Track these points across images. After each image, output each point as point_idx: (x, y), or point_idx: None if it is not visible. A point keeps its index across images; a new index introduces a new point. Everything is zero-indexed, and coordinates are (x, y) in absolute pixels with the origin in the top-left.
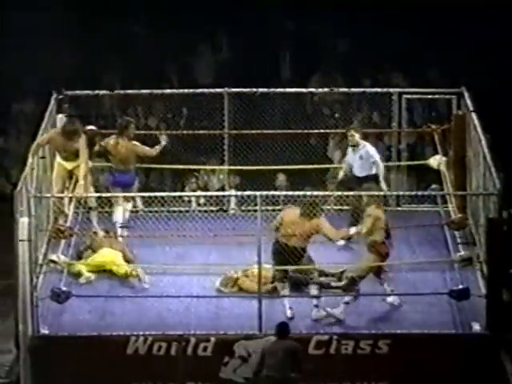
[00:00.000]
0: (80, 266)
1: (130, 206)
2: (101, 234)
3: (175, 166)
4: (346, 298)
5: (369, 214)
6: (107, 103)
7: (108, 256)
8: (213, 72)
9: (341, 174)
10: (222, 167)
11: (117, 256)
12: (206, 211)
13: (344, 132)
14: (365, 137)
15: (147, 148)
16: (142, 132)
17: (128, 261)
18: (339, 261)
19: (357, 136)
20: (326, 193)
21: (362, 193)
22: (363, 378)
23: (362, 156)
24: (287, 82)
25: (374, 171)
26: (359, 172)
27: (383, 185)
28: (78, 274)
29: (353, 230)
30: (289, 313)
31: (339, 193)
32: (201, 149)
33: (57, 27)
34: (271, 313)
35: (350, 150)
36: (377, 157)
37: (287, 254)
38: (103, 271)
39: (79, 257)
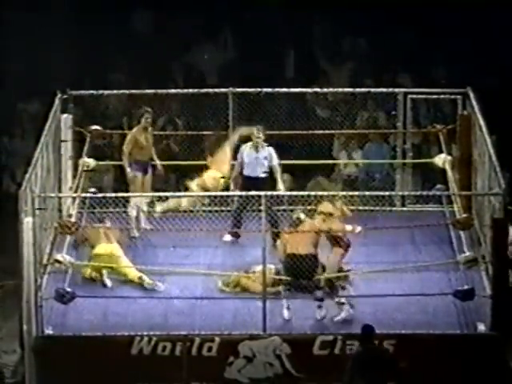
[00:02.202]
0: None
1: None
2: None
3: (180, 163)
4: (342, 299)
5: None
6: (112, 103)
7: (106, 249)
8: (217, 72)
9: (235, 174)
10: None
11: (115, 248)
12: (210, 211)
13: (349, 133)
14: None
15: (125, 145)
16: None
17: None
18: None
19: (262, 137)
20: (331, 192)
21: (367, 193)
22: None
23: (267, 157)
24: (292, 81)
25: (266, 173)
26: (258, 172)
27: (281, 185)
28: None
29: (349, 228)
30: (286, 314)
31: (344, 193)
32: (205, 149)
33: (61, 27)
34: (275, 313)
35: (249, 149)
36: (277, 160)
37: (300, 264)
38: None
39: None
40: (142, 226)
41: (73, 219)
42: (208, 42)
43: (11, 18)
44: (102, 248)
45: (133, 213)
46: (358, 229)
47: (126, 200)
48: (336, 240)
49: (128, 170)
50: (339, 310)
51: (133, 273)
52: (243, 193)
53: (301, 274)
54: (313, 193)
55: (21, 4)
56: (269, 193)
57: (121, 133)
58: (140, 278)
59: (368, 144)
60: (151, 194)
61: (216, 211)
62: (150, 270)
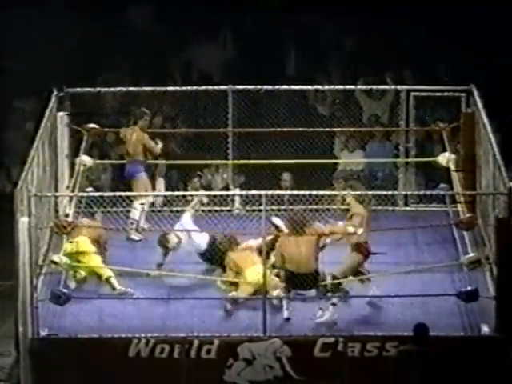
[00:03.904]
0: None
1: (137, 204)
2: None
3: (179, 162)
4: (334, 300)
5: (357, 213)
6: (109, 101)
7: (73, 246)
8: (217, 69)
9: None
10: (227, 161)
11: (81, 243)
12: (209, 211)
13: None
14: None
15: (153, 144)
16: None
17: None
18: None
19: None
20: (333, 192)
21: (370, 192)
22: (370, 381)
23: None
24: (292, 80)
25: None
26: None
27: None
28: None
29: (350, 229)
30: (286, 315)
31: (345, 192)
32: (204, 147)
33: (58, 24)
34: (276, 315)
35: None
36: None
37: (301, 282)
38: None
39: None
40: (140, 225)
41: (69, 219)
42: (208, 41)
43: (8, 15)
44: (68, 246)
45: (136, 215)
46: (360, 230)
47: (128, 202)
48: (357, 246)
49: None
50: (325, 311)
51: (101, 271)
52: (244, 192)
53: (301, 288)
54: (314, 192)
55: (18, 1)
56: (269, 192)
57: (118, 131)
58: (108, 279)
59: (370, 143)
60: (151, 193)
61: (216, 211)
62: (148, 271)
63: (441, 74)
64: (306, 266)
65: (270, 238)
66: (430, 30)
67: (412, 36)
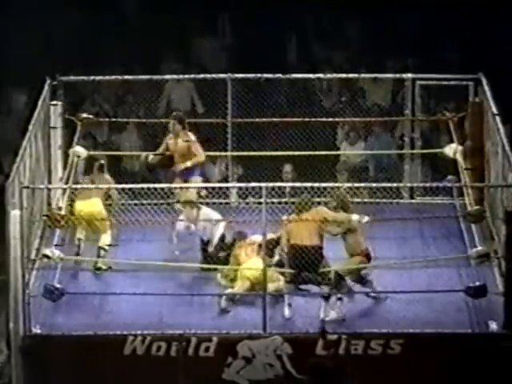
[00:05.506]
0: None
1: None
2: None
3: None
4: (338, 295)
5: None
6: (103, 90)
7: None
8: (216, 58)
9: None
10: (225, 153)
11: (94, 204)
12: (207, 204)
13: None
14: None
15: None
16: (144, 120)
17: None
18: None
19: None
20: (335, 184)
21: (373, 185)
22: (374, 379)
23: None
24: (294, 67)
25: None
26: None
27: None
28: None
29: (355, 217)
30: (287, 312)
31: (349, 184)
32: (202, 138)
33: (51, 12)
34: (276, 311)
35: None
36: None
37: (304, 255)
38: None
39: None
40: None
41: (62, 212)
42: (206, 29)
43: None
44: (81, 205)
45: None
46: (366, 219)
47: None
48: (356, 251)
49: None
50: (332, 307)
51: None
52: (243, 184)
53: (305, 266)
54: (316, 184)
55: None
56: (270, 184)
57: (113, 121)
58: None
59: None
60: (147, 185)
61: (214, 203)
62: (146, 264)
63: (448, 61)
64: (309, 238)
65: (272, 236)
66: (438, 17)
67: (415, 23)
